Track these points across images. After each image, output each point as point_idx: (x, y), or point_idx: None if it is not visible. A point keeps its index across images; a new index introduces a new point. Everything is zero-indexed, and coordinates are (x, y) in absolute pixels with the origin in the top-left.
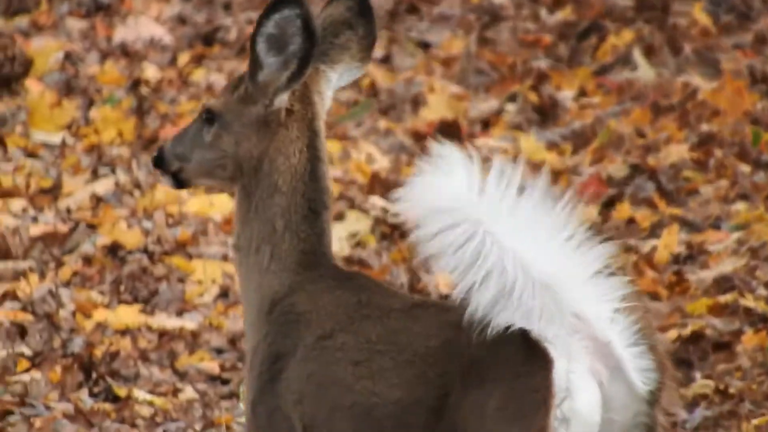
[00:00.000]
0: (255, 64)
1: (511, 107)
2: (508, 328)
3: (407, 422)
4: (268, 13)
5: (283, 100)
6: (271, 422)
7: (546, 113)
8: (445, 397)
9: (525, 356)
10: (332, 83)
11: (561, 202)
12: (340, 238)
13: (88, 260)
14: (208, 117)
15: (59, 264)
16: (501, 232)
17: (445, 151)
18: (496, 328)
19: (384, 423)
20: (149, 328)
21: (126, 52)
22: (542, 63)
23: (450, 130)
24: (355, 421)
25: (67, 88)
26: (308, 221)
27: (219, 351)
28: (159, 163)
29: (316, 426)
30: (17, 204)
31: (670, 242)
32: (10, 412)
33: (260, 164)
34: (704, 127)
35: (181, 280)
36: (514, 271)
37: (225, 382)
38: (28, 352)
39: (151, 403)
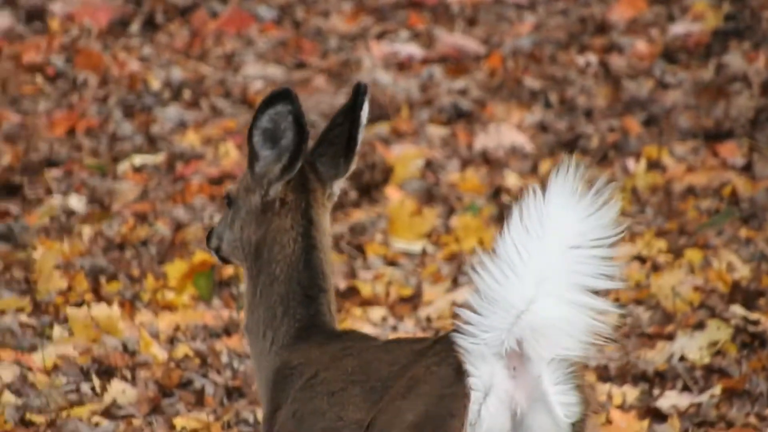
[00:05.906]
0: (252, 156)
1: None
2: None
3: None
4: (264, 107)
5: (277, 190)
6: None
7: None
8: None
9: (454, 379)
10: (330, 175)
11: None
12: (700, 347)
13: None
14: (228, 201)
15: None
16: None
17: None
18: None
19: None
20: None
21: (487, 159)
22: None
23: None
24: None
25: (428, 196)
26: (304, 305)
27: None
28: (207, 240)
29: None
30: (377, 313)
31: None
32: None
33: (259, 251)
34: None
35: None
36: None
37: None
38: None
39: None
